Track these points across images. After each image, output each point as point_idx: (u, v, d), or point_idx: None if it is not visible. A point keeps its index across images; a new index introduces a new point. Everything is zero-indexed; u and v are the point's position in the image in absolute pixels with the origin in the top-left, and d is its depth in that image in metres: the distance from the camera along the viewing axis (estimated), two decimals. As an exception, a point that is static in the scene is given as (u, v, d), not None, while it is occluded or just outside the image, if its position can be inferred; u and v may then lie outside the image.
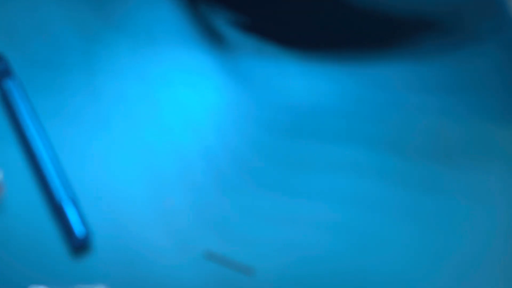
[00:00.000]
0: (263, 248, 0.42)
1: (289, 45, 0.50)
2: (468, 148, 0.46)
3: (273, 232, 0.43)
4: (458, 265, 0.42)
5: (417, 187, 0.45)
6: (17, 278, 0.40)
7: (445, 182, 0.45)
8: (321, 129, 0.47)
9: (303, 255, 0.42)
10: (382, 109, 0.48)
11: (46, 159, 0.43)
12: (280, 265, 0.41)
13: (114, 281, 0.40)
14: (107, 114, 0.47)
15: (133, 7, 0.51)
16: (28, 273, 0.40)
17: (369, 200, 0.44)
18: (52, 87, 0.48)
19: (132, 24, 0.50)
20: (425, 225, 0.43)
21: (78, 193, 0.43)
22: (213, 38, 0.48)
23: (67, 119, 0.46)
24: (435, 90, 0.49)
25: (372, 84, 0.49)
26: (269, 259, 0.42)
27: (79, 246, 0.41)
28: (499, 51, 0.51)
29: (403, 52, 0.51)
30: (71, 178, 0.44)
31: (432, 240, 0.43)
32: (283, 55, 0.50)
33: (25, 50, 0.49)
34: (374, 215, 0.43)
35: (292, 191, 0.44)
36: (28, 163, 0.44)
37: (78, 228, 0.41)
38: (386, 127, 0.47)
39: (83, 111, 0.47)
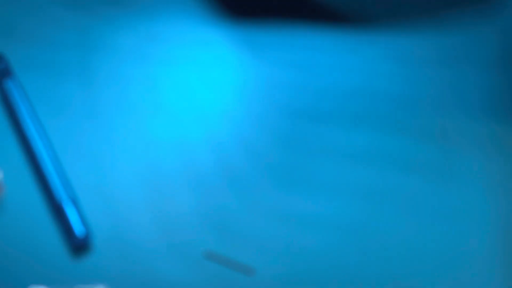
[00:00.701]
0: (265, 248, 0.42)
1: (307, 19, 0.48)
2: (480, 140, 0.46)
3: (277, 231, 0.42)
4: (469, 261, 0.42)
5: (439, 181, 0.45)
6: (17, 278, 0.40)
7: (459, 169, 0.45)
8: (343, 113, 0.45)
9: (304, 255, 0.42)
10: (413, 86, 0.45)
11: (46, 159, 0.43)
12: (280, 265, 0.41)
13: (114, 281, 0.40)
14: (109, 112, 0.46)
15: None
16: (28, 273, 0.40)
17: (383, 197, 0.44)
18: (52, 87, 0.48)
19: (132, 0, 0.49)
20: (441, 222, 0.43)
21: (78, 193, 0.43)
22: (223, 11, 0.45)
23: (67, 119, 0.46)
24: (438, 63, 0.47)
25: (396, 58, 0.46)
26: (270, 259, 0.42)
27: (79, 246, 0.41)
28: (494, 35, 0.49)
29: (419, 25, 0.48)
30: (71, 178, 0.44)
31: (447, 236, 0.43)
32: (300, 29, 0.47)
33: (24, 43, 0.49)
34: (383, 214, 0.43)
35: (305, 187, 0.44)
36: (28, 163, 0.44)
37: (78, 228, 0.41)
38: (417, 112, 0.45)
39: (83, 110, 0.47)
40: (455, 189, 0.44)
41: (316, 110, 0.46)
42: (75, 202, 0.42)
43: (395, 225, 0.43)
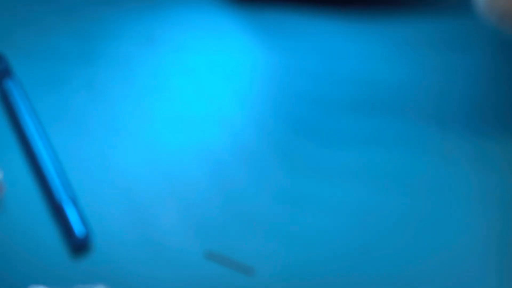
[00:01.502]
0: (265, 248, 0.42)
1: (318, 5, 0.47)
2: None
3: (277, 231, 0.43)
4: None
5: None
6: (17, 278, 0.40)
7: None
8: (355, 99, 0.44)
9: (305, 256, 0.42)
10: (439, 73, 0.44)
11: (46, 159, 0.43)
12: (280, 265, 0.41)
13: (114, 281, 0.40)
14: (108, 109, 0.46)
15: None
16: (28, 273, 0.40)
17: (392, 183, 0.44)
18: (52, 85, 0.47)
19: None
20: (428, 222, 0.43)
21: (78, 193, 0.43)
22: None
23: (67, 118, 0.46)
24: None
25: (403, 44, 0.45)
26: (271, 258, 0.42)
27: (79, 246, 0.41)
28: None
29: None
30: (71, 178, 0.44)
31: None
32: (311, 15, 0.46)
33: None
34: (390, 200, 0.43)
35: (313, 172, 0.43)
36: (28, 163, 0.44)
37: (78, 228, 0.41)
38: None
39: (82, 108, 0.47)
40: (470, 179, 0.44)
41: (328, 96, 0.45)
42: (75, 202, 0.42)
43: (402, 212, 0.43)
